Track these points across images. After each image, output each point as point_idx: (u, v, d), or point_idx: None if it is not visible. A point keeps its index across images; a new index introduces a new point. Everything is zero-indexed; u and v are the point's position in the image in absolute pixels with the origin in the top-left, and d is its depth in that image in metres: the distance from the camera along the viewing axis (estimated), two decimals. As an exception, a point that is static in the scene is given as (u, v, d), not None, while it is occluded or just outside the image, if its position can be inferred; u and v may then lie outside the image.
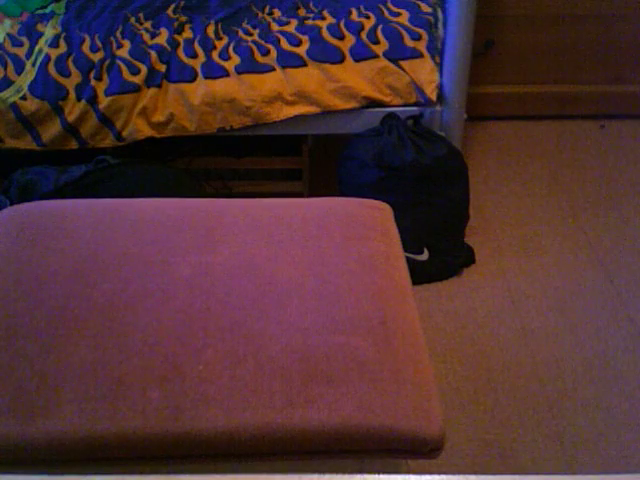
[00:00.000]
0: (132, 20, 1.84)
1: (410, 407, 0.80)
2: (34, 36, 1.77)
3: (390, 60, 1.64)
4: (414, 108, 1.66)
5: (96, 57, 1.67)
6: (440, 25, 1.77)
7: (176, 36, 1.74)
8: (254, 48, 1.66)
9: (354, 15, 1.75)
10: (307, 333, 0.85)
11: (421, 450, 0.80)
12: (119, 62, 1.65)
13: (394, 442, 0.79)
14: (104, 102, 1.60)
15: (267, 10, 1.87)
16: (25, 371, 0.82)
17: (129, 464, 0.79)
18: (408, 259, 1.20)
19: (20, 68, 1.68)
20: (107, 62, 1.65)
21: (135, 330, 0.86)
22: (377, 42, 1.66)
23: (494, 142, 2.05)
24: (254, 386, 0.80)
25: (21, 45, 1.75)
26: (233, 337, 0.85)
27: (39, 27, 1.82)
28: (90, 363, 0.82)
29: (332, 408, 0.78)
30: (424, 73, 1.65)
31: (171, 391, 0.79)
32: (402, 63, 1.65)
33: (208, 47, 1.70)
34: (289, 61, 1.63)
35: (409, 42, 1.67)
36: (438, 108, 1.67)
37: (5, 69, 1.67)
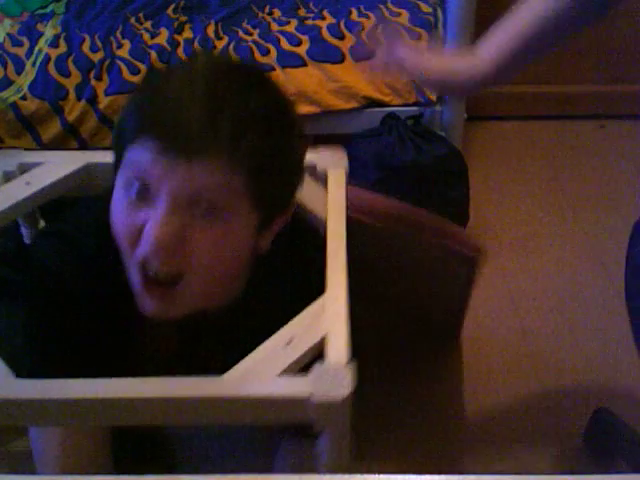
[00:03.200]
0: (132, 20, 1.84)
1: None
2: (34, 36, 1.77)
3: (390, 60, 1.64)
4: (414, 108, 1.65)
5: (96, 57, 1.67)
6: (440, 25, 1.77)
7: (176, 36, 1.74)
8: (254, 48, 1.66)
9: (354, 15, 1.75)
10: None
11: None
12: (119, 62, 1.65)
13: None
14: (104, 102, 1.60)
15: (267, 10, 1.87)
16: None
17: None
18: None
19: (20, 68, 1.68)
20: (107, 62, 1.65)
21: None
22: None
23: (494, 142, 2.05)
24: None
25: (21, 45, 1.75)
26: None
27: (39, 27, 1.82)
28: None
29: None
30: (424, 73, 1.65)
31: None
32: (402, 63, 1.65)
33: (208, 47, 1.70)
34: (289, 61, 1.63)
35: (409, 42, 1.67)
36: (438, 108, 1.67)
37: (5, 69, 1.67)
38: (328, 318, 0.70)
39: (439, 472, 0.61)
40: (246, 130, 0.69)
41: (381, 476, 0.62)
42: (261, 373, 0.65)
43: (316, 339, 0.68)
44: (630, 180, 1.88)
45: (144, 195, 0.69)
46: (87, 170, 0.90)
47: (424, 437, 1.22)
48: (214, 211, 0.69)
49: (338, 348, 0.66)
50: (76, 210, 0.85)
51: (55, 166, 0.88)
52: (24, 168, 0.88)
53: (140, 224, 0.70)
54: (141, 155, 0.68)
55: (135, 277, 0.72)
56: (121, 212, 0.71)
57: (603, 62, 1.97)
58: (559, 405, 1.30)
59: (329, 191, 0.86)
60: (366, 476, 0.62)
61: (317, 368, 0.65)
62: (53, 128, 1.62)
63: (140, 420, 0.65)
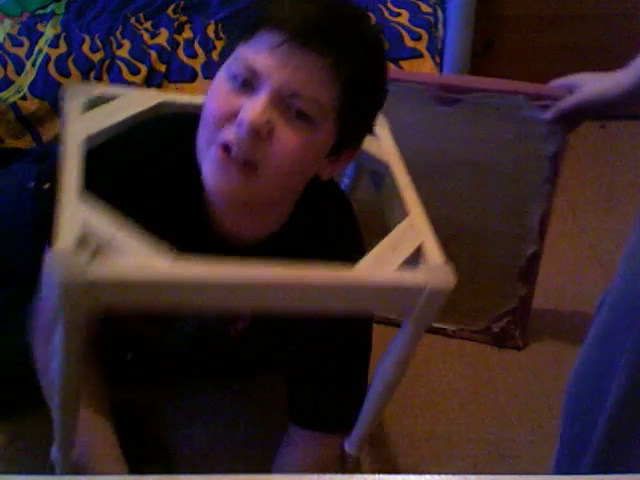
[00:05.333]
0: (132, 20, 1.84)
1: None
2: (34, 36, 1.77)
3: (390, 60, 1.64)
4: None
5: (96, 57, 1.67)
6: (440, 25, 1.77)
7: (176, 36, 1.74)
8: (254, 48, 1.66)
9: (354, 15, 1.75)
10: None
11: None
12: (119, 62, 1.65)
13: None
14: (104, 102, 1.60)
15: (267, 10, 1.87)
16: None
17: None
18: None
19: (20, 68, 1.68)
20: (107, 62, 1.65)
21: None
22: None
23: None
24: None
25: (21, 45, 1.75)
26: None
27: (39, 27, 1.82)
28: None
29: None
30: (424, 73, 1.65)
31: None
32: (402, 63, 1.65)
33: (208, 47, 1.70)
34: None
35: (409, 42, 1.67)
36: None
37: (5, 69, 1.67)
38: (417, 232, 0.82)
39: (439, 472, 0.61)
40: (359, 43, 0.76)
41: (381, 476, 0.62)
42: (381, 268, 0.75)
43: (415, 245, 0.80)
44: (630, 180, 1.88)
45: (248, 87, 0.75)
46: (161, 107, 0.94)
47: (424, 437, 1.22)
48: (303, 118, 0.75)
49: (435, 252, 0.79)
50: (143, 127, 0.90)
51: (131, 101, 0.92)
52: (101, 101, 0.91)
53: (236, 109, 0.74)
54: (257, 49, 0.74)
55: (215, 155, 0.76)
56: (220, 96, 0.77)
57: (603, 62, 1.97)
58: (559, 405, 1.30)
59: (383, 144, 0.98)
60: (366, 476, 0.62)
61: (424, 266, 0.77)
62: (53, 128, 1.62)
63: (283, 303, 0.73)
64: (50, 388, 0.90)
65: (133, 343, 1.13)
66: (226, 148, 0.75)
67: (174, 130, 0.83)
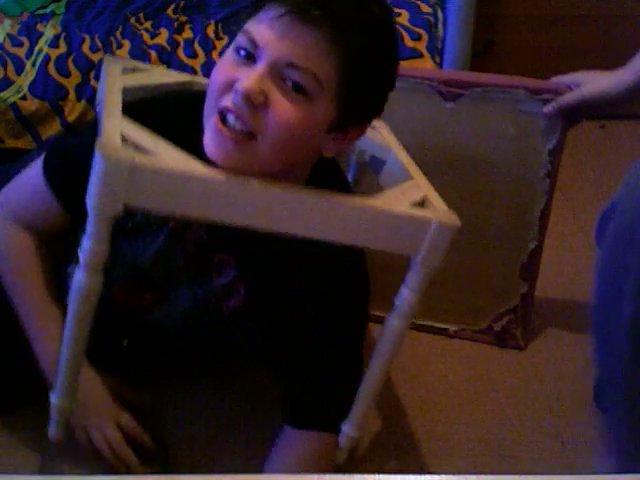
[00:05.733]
0: (132, 20, 1.84)
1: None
2: (34, 36, 1.77)
3: (390, 60, 1.64)
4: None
5: (96, 57, 1.67)
6: (440, 25, 1.77)
7: (176, 36, 1.74)
8: (254, 48, 1.66)
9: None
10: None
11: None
12: (119, 62, 1.65)
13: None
14: (104, 102, 1.60)
15: (267, 10, 1.87)
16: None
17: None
18: None
19: (20, 68, 1.68)
20: (107, 62, 1.65)
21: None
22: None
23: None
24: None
25: (21, 45, 1.75)
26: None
27: (39, 27, 1.82)
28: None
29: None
30: (424, 73, 1.65)
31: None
32: (402, 63, 1.63)
33: (208, 47, 1.70)
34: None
35: (409, 42, 1.67)
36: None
37: (5, 69, 1.67)
38: (423, 188, 0.90)
39: (439, 472, 0.61)
40: (360, 18, 0.77)
41: (381, 476, 0.62)
42: (394, 204, 0.81)
43: (421, 195, 0.87)
44: (630, 180, 1.88)
45: (250, 59, 0.78)
46: (188, 84, 1.05)
47: (424, 437, 1.22)
48: (300, 90, 0.77)
49: (440, 202, 0.86)
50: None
51: (164, 75, 1.05)
52: (138, 71, 1.03)
53: (235, 79, 0.77)
54: (259, 22, 0.78)
55: (213, 123, 0.79)
56: (223, 67, 0.80)
57: (603, 62, 1.96)
58: (559, 405, 1.30)
59: (383, 132, 1.07)
60: (366, 476, 0.62)
61: (431, 208, 0.84)
62: (53, 128, 1.62)
63: (299, 223, 0.79)
64: (9, 270, 1.05)
65: (127, 325, 1.14)
66: (224, 117, 0.78)
67: (194, 102, 0.85)
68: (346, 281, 0.98)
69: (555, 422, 1.26)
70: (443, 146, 1.28)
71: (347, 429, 0.96)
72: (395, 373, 1.34)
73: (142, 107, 0.91)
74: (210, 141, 0.80)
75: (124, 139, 0.76)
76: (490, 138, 1.26)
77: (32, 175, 1.01)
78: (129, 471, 1.05)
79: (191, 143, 0.80)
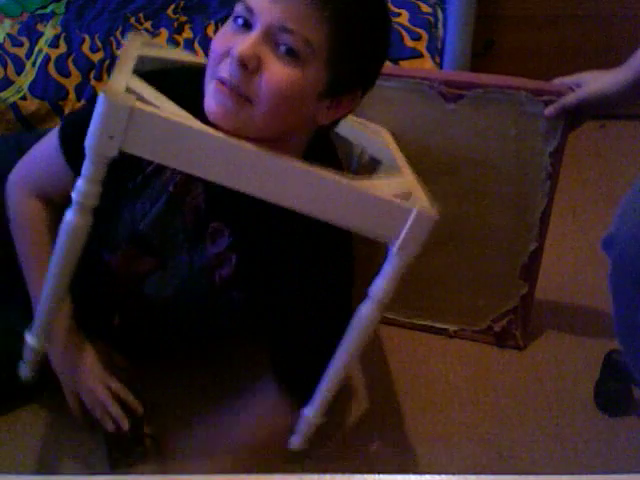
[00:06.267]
0: (132, 20, 1.84)
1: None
2: (34, 36, 1.77)
3: (390, 60, 1.64)
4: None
5: (96, 57, 1.67)
6: (440, 25, 1.77)
7: (176, 36, 1.74)
8: (254, 48, 1.66)
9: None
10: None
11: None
12: (119, 62, 1.65)
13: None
14: (104, 102, 1.60)
15: (267, 10, 1.87)
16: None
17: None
18: None
19: (20, 68, 1.68)
20: (107, 62, 1.65)
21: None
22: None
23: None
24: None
25: (21, 45, 1.75)
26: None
27: (39, 27, 1.82)
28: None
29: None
30: (424, 73, 1.65)
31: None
32: (402, 63, 1.65)
33: (208, 47, 1.69)
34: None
35: (409, 42, 1.67)
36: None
37: (5, 69, 1.67)
38: (409, 184, 0.95)
39: (439, 472, 0.61)
40: None
41: (381, 476, 0.62)
42: (378, 190, 0.85)
43: (406, 189, 0.91)
44: (630, 180, 1.88)
45: (247, 27, 0.82)
46: (204, 65, 1.11)
47: (424, 437, 1.22)
48: (292, 55, 0.81)
49: (422, 196, 0.90)
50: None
51: (182, 54, 1.14)
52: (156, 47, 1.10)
53: (232, 46, 0.81)
54: None
55: (212, 88, 0.84)
56: (222, 36, 0.85)
57: (603, 62, 1.96)
58: (559, 405, 1.30)
59: (384, 138, 1.15)
60: (366, 476, 0.62)
61: (413, 198, 0.88)
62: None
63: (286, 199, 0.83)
64: (22, 237, 1.09)
65: (120, 300, 1.17)
66: (222, 82, 0.83)
67: (202, 76, 0.89)
68: (333, 251, 1.01)
69: (555, 422, 1.26)
70: (444, 147, 1.28)
71: (308, 412, 0.98)
72: (395, 373, 1.34)
73: (153, 75, 0.95)
74: (211, 99, 0.84)
75: (129, 90, 0.81)
76: (491, 139, 1.26)
77: (48, 145, 1.05)
78: (120, 431, 1.08)
79: (196, 112, 0.83)
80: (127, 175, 1.02)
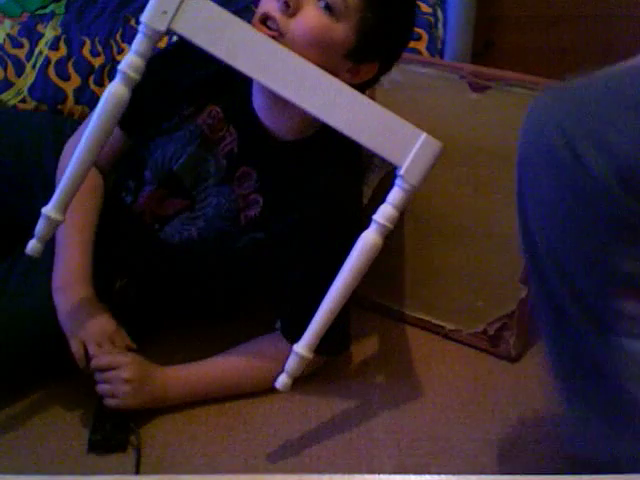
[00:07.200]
0: (132, 22, 1.84)
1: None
2: (34, 37, 1.77)
3: (390, 60, 1.64)
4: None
5: (97, 62, 1.67)
6: (440, 25, 1.77)
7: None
8: (254, 49, 1.67)
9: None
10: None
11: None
12: (119, 64, 1.65)
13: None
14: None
15: (267, 11, 1.87)
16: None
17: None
18: None
19: (20, 70, 1.68)
20: (108, 67, 1.66)
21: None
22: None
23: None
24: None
25: (21, 46, 1.75)
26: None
27: (39, 28, 1.82)
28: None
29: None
30: (424, 73, 1.65)
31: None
32: (402, 63, 1.65)
33: (208, 48, 1.69)
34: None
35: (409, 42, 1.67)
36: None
37: (5, 71, 1.67)
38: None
39: (439, 472, 0.61)
40: None
41: (381, 476, 0.62)
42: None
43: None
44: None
45: None
46: None
47: (424, 437, 1.22)
48: (329, 9, 0.98)
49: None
50: None
51: None
52: None
53: None
54: None
55: (255, 23, 1.01)
56: None
57: (603, 62, 1.96)
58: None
59: None
60: (366, 476, 0.62)
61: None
62: (53, 129, 1.62)
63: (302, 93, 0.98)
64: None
65: (132, 250, 1.21)
66: (264, 20, 0.99)
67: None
68: (344, 203, 1.13)
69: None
70: (465, 137, 1.30)
71: (298, 347, 1.01)
72: (395, 373, 1.34)
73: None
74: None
75: None
76: (510, 133, 1.26)
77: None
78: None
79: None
80: (164, 114, 1.13)
